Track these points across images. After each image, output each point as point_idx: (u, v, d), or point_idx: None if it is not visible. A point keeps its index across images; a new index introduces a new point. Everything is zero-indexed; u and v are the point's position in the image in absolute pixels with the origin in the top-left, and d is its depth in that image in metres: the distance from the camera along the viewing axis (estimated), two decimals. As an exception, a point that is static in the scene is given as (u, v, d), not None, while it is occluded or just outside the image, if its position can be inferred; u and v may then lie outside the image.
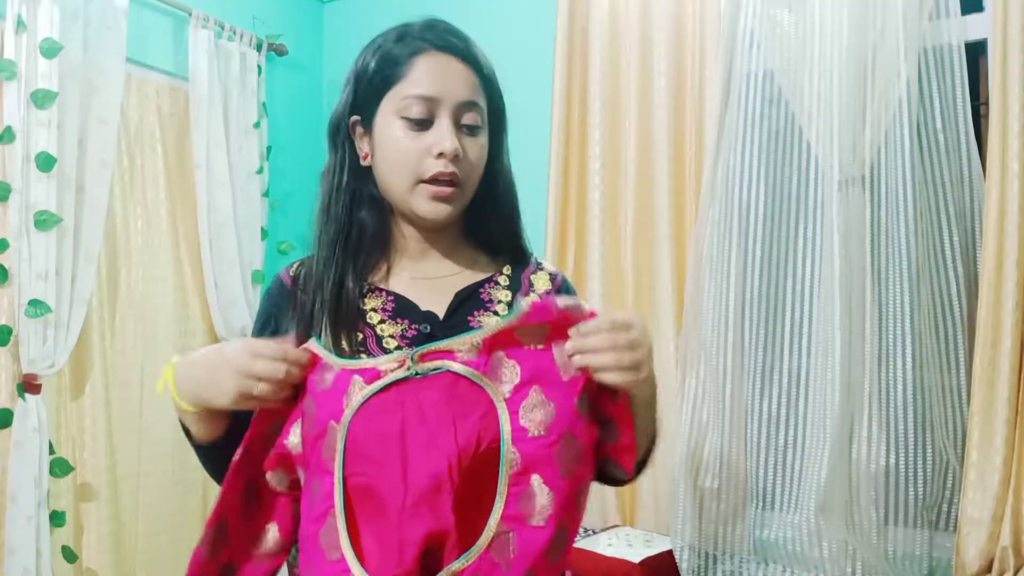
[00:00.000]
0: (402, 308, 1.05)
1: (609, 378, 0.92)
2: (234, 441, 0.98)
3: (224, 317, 2.71)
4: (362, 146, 1.08)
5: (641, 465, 1.08)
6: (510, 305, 1.07)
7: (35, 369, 2.14)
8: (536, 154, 2.55)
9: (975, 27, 2.05)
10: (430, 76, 1.01)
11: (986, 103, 2.03)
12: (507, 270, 1.12)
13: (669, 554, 2.19)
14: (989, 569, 1.85)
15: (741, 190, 2.18)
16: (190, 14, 2.63)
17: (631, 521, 2.40)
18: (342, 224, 1.06)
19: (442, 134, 1.00)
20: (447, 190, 1.02)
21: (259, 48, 2.88)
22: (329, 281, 1.04)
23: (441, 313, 1.05)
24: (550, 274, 1.14)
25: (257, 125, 2.83)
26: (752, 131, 2.18)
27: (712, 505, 2.18)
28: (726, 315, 2.17)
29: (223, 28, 2.73)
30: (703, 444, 2.19)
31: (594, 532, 2.35)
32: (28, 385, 2.13)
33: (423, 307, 1.05)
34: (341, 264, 1.05)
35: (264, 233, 2.87)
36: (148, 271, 2.56)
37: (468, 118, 1.03)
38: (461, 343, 0.94)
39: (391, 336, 1.02)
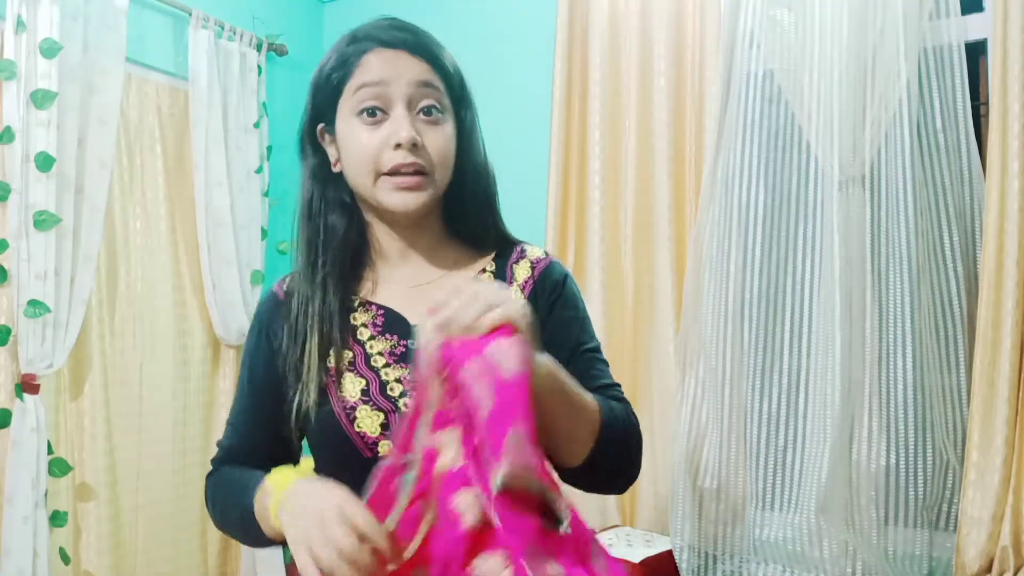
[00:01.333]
0: (392, 322, 1.04)
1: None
2: None
3: (223, 317, 2.71)
4: (332, 152, 1.06)
5: (599, 459, 0.97)
6: None
7: (34, 369, 2.13)
8: (536, 154, 2.56)
9: (975, 27, 2.05)
10: (378, 66, 1.00)
11: (986, 103, 2.03)
12: (491, 266, 1.09)
13: (669, 554, 2.19)
14: (989, 569, 1.85)
15: (741, 190, 2.18)
16: (190, 14, 2.63)
17: (631, 521, 2.40)
18: (319, 234, 1.05)
19: (397, 123, 0.98)
20: (411, 179, 0.99)
21: (259, 48, 2.88)
22: (315, 297, 1.02)
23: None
24: (531, 261, 1.09)
25: (257, 125, 2.83)
26: (752, 131, 2.18)
27: (712, 505, 2.18)
28: (726, 315, 2.17)
29: (223, 28, 2.73)
30: (703, 444, 2.19)
31: (594, 532, 2.34)
32: (27, 385, 2.13)
33: (412, 319, 1.02)
34: (323, 278, 1.03)
35: (264, 233, 2.87)
36: (147, 271, 2.56)
37: (424, 101, 1.00)
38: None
39: (379, 353, 1.02)
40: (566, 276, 1.10)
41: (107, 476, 2.38)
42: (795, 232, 2.14)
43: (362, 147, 0.99)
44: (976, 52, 2.08)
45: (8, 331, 2.12)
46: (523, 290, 1.06)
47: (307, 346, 1.02)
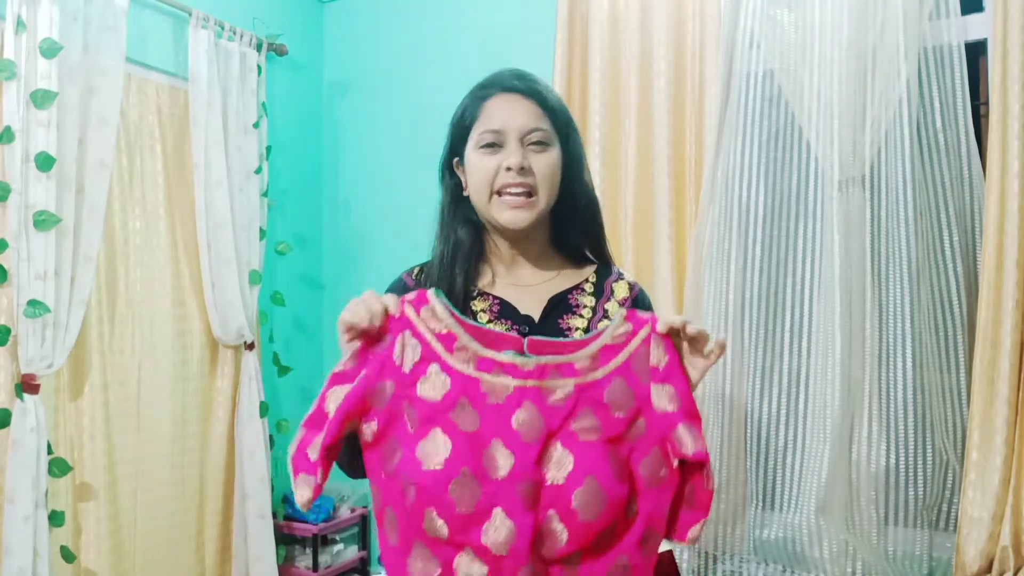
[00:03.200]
0: (505, 310, 1.23)
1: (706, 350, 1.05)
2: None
3: (221, 317, 2.71)
4: (462, 179, 1.27)
5: None
6: (594, 309, 1.23)
7: (34, 369, 2.13)
8: (536, 154, 2.56)
9: (975, 27, 2.05)
10: (497, 112, 1.22)
11: (986, 103, 2.03)
12: (592, 278, 1.29)
13: (669, 554, 2.19)
14: (989, 569, 1.85)
15: (741, 190, 2.19)
16: (190, 14, 2.63)
17: (631, 521, 2.40)
18: (449, 243, 1.27)
19: (509, 151, 1.20)
20: (521, 199, 1.20)
21: (259, 48, 2.88)
22: (442, 284, 1.22)
23: (536, 316, 1.23)
24: (629, 283, 1.30)
25: (256, 125, 2.83)
26: (752, 131, 2.18)
27: (712, 505, 2.17)
28: (726, 315, 2.17)
29: (223, 28, 2.73)
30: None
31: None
32: (27, 385, 2.13)
33: (522, 311, 1.23)
34: (450, 274, 1.25)
35: (262, 233, 2.87)
36: (146, 271, 2.56)
37: (534, 137, 1.21)
38: (578, 357, 1.04)
39: None
40: (650, 305, 1.31)
41: (106, 476, 2.38)
42: (795, 232, 2.15)
43: (482, 170, 1.21)
44: (976, 52, 2.08)
45: (8, 331, 2.12)
46: (622, 306, 1.26)
47: None
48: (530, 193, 1.20)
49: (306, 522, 2.88)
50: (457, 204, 1.29)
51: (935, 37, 1.98)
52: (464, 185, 1.27)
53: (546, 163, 1.21)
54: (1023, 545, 1.83)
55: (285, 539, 2.97)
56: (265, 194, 2.89)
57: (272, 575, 2.76)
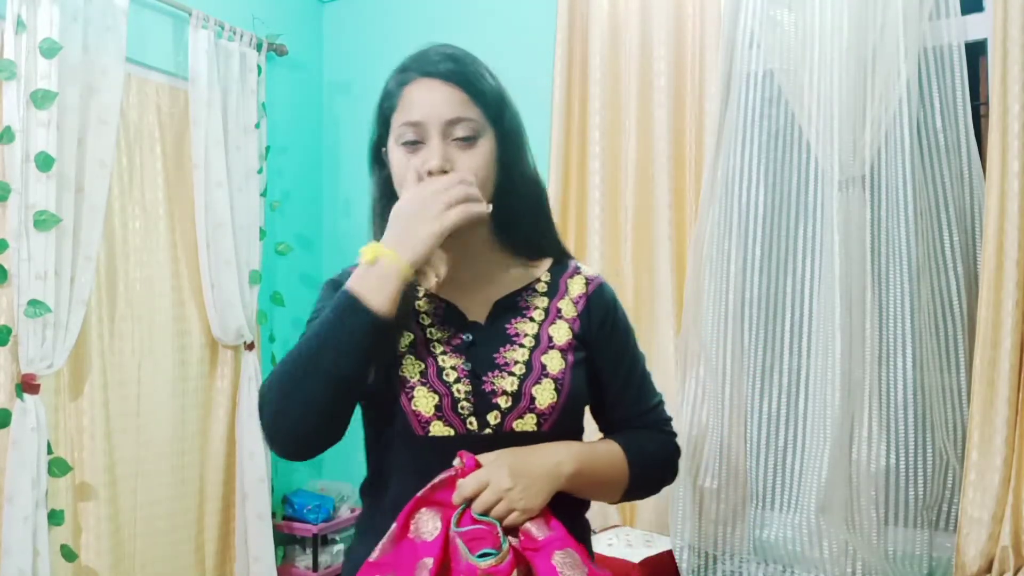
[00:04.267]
0: (450, 315, 1.14)
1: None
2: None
3: (221, 317, 2.71)
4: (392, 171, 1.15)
5: (632, 493, 1.19)
6: (546, 311, 1.15)
7: (34, 369, 2.13)
8: (536, 154, 2.55)
9: (975, 27, 2.05)
10: (417, 102, 1.09)
11: (986, 103, 2.03)
12: (545, 276, 1.19)
13: (669, 554, 2.19)
14: (989, 569, 1.85)
15: (741, 190, 2.18)
16: (190, 14, 2.63)
17: (631, 521, 2.40)
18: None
19: (429, 152, 1.07)
20: None
21: (259, 48, 2.88)
22: None
23: (483, 321, 1.14)
24: (586, 278, 1.20)
25: (256, 125, 2.83)
26: (752, 131, 2.18)
27: (712, 505, 2.18)
28: (726, 315, 2.17)
29: (223, 28, 2.73)
30: (703, 444, 2.19)
31: (594, 532, 2.34)
32: (27, 385, 2.13)
33: (469, 316, 1.14)
34: None
35: (262, 233, 2.87)
36: (146, 271, 2.56)
37: (458, 131, 1.08)
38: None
39: (438, 340, 1.11)
40: (615, 297, 1.21)
41: (106, 476, 2.38)
42: (795, 232, 2.15)
43: (403, 173, 1.09)
44: (976, 52, 2.08)
45: (8, 331, 2.12)
46: (576, 304, 1.17)
47: None
48: None
49: (306, 522, 2.89)
50: (388, 200, 1.14)
51: (935, 37, 1.98)
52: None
53: (474, 160, 1.08)
54: (1023, 545, 1.83)
55: (285, 539, 2.97)
56: (264, 194, 2.89)
57: (271, 575, 2.76)
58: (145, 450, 2.53)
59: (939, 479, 1.98)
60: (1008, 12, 1.84)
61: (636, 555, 2.13)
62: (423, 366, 1.08)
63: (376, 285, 1.01)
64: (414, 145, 1.08)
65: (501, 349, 1.10)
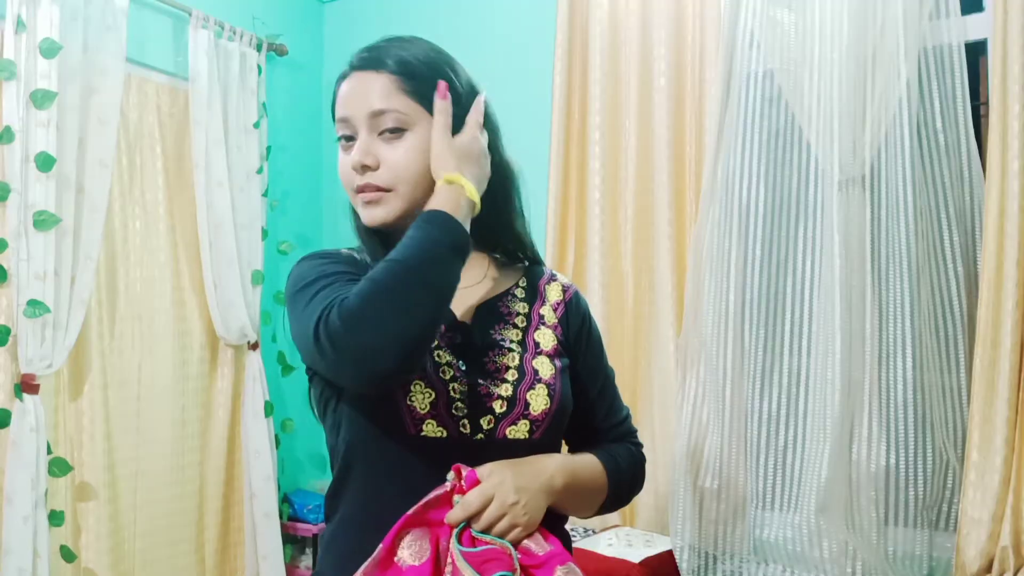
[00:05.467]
0: None
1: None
2: None
3: (223, 317, 2.71)
4: None
5: (607, 506, 1.18)
6: (528, 317, 1.12)
7: (33, 369, 2.13)
8: (536, 154, 2.56)
9: (975, 27, 2.05)
10: (344, 99, 1.09)
11: (986, 103, 2.03)
12: (523, 282, 1.16)
13: (669, 554, 2.19)
14: (989, 569, 1.85)
15: (741, 190, 2.18)
16: (190, 14, 2.63)
17: (631, 521, 2.40)
18: (366, 244, 1.13)
19: (354, 149, 1.06)
20: (371, 195, 1.06)
21: (259, 48, 2.88)
22: None
23: (469, 323, 1.10)
24: (563, 285, 1.19)
25: (257, 125, 2.83)
26: (752, 131, 2.18)
27: (712, 505, 2.18)
28: (726, 315, 2.17)
29: (223, 28, 2.73)
30: (703, 444, 2.19)
31: (594, 532, 2.35)
32: (26, 385, 2.13)
33: (458, 317, 1.09)
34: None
35: (264, 233, 2.87)
36: (146, 271, 2.56)
37: (384, 123, 1.05)
38: None
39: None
40: (588, 309, 1.20)
41: (106, 476, 2.38)
42: (795, 232, 2.14)
43: (341, 171, 1.10)
44: (976, 52, 2.08)
45: (8, 331, 2.12)
46: (556, 311, 1.15)
47: None
48: (381, 189, 1.05)
49: (307, 522, 2.89)
50: None
51: (935, 37, 1.98)
52: None
53: (400, 154, 1.03)
54: (1023, 545, 1.83)
55: (286, 539, 2.97)
56: (266, 194, 2.89)
57: (280, 574, 2.76)
58: (145, 450, 2.53)
59: (939, 479, 1.98)
60: (1008, 12, 1.84)
61: (636, 555, 2.13)
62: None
63: (460, 207, 0.99)
64: (348, 141, 1.08)
65: (490, 353, 1.07)
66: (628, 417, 1.22)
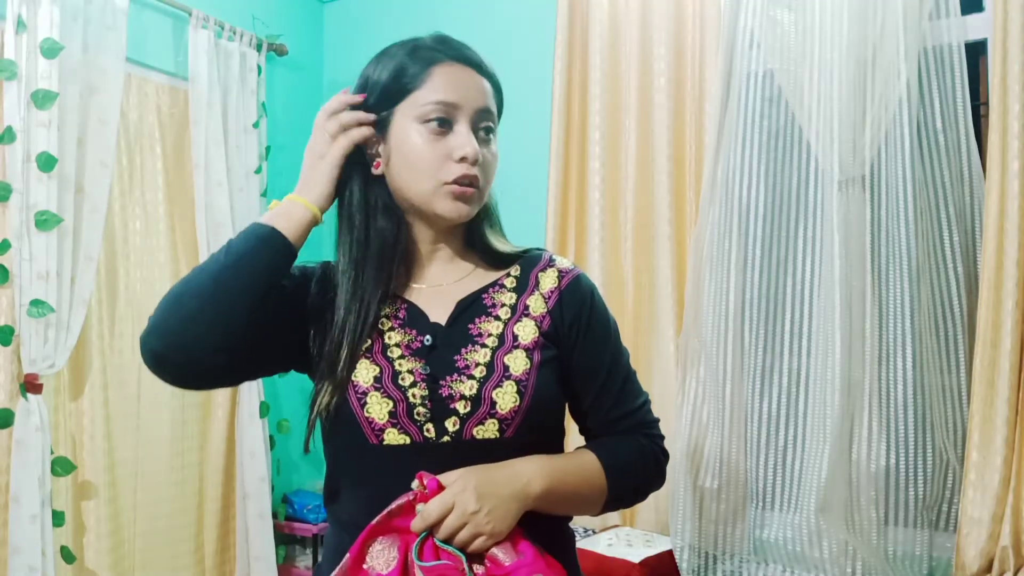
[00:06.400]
0: (413, 317, 1.08)
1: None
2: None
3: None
4: (374, 155, 1.08)
5: (613, 504, 1.12)
6: (513, 308, 1.08)
7: (36, 369, 2.14)
8: (536, 154, 2.56)
9: (975, 27, 2.05)
10: (450, 84, 1.04)
11: (986, 103, 2.03)
12: (515, 271, 1.12)
13: (669, 554, 2.19)
14: (989, 569, 1.85)
15: (741, 190, 2.19)
16: (190, 14, 2.63)
17: (631, 521, 2.40)
18: (362, 237, 1.08)
19: (463, 139, 1.03)
20: (469, 190, 1.04)
21: (259, 48, 2.88)
22: (352, 298, 1.05)
23: (444, 321, 1.08)
24: (559, 270, 1.12)
25: (256, 125, 2.83)
26: (752, 131, 2.18)
27: (712, 505, 2.18)
28: (726, 315, 2.17)
29: (223, 28, 2.73)
30: (703, 444, 2.19)
31: (594, 532, 2.35)
32: (29, 385, 2.13)
33: (432, 316, 1.08)
34: (363, 281, 1.06)
35: (264, 233, 2.87)
36: (146, 271, 2.56)
37: (484, 124, 1.06)
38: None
39: (396, 344, 1.05)
40: (593, 291, 1.13)
41: (106, 476, 2.38)
42: (795, 232, 2.15)
43: (426, 156, 1.03)
44: (976, 52, 2.08)
45: (11, 331, 2.12)
46: (547, 300, 1.09)
47: (342, 323, 1.05)
48: (476, 185, 1.05)
49: (306, 522, 2.89)
50: (369, 185, 1.08)
51: (935, 37, 1.98)
52: (375, 163, 1.08)
53: (492, 156, 1.07)
54: (1023, 545, 1.83)
55: (285, 539, 2.97)
56: (265, 194, 2.89)
57: (272, 575, 2.76)
58: (145, 450, 2.53)
59: (939, 479, 1.98)
60: (1008, 12, 1.84)
61: (636, 555, 2.13)
62: (378, 371, 1.02)
63: (277, 214, 1.05)
64: (442, 126, 1.03)
65: (463, 351, 1.04)
66: (642, 407, 1.13)
